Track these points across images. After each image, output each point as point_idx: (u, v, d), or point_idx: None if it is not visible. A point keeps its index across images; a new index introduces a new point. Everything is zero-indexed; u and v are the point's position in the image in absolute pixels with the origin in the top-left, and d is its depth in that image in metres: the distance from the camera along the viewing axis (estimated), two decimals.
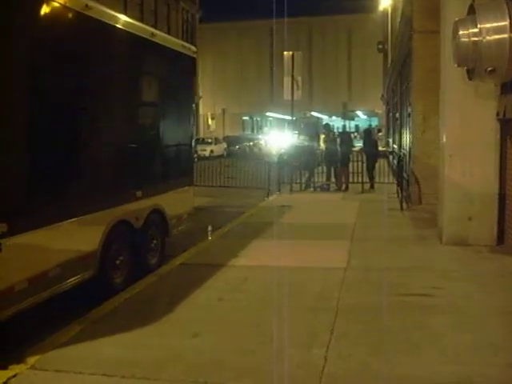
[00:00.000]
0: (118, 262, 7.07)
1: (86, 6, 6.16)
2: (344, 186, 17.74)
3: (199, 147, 35.80)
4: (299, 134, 29.05)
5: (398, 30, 18.70)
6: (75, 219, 6.04)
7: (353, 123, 77.27)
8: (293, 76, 17.27)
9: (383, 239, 9.77)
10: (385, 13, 34.37)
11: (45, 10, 5.57)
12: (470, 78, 7.75)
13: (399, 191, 14.77)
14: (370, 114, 70.55)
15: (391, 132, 32.69)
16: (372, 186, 17.53)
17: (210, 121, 64.13)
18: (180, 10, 49.54)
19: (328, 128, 19.89)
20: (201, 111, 55.99)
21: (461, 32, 7.34)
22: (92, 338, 5.27)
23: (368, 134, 20.84)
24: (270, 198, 16.35)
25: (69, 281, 5.96)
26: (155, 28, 8.69)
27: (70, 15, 6.00)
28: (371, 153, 18.26)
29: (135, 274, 7.42)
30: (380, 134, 46.73)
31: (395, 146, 24.36)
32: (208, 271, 7.65)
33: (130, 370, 4.59)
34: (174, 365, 4.69)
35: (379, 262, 8.17)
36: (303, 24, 63.76)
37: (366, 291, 6.69)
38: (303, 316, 5.84)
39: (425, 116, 12.98)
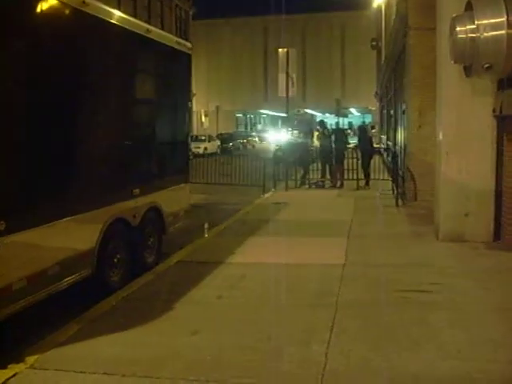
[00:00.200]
0: (115, 260, 7.03)
1: (83, 2, 6.11)
2: (339, 183, 17.75)
3: (193, 145, 35.69)
4: (293, 130, 29.05)
5: (392, 27, 18.71)
6: (73, 217, 6.00)
7: (346, 120, 77.28)
8: (287, 73, 17.22)
9: (380, 236, 9.79)
10: (378, 10, 34.37)
11: (42, 5, 5.52)
12: (468, 75, 7.77)
13: (394, 188, 14.79)
14: (364, 110, 70.61)
15: (385, 129, 32.71)
16: (367, 183, 17.54)
17: (203, 118, 64.01)
18: (173, 6, 49.41)
19: (323, 125, 19.87)
20: (194, 108, 55.78)
21: (458, 28, 7.35)
22: (91, 336, 5.24)
23: (363, 131, 20.84)
24: (266, 195, 16.35)
25: (67, 279, 5.92)
26: (149, 25, 8.61)
27: (67, 11, 5.96)
28: (366, 150, 18.28)
29: (132, 272, 7.39)
30: (374, 130, 46.73)
31: (389, 143, 24.38)
32: (205, 269, 7.64)
33: (130, 368, 4.57)
34: (174, 363, 4.67)
35: (377, 258, 8.17)
36: (297, 21, 63.71)
37: (365, 287, 6.69)
38: (302, 313, 5.83)
39: (420, 113, 12.98)
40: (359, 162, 17.75)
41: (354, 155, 18.12)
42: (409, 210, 12.63)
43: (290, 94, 17.45)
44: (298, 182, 18.16)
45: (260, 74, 66.31)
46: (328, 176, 18.27)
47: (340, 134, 19.62)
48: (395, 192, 14.37)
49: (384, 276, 7.15)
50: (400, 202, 13.39)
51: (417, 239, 9.48)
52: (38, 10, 5.50)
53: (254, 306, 6.14)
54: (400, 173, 14.84)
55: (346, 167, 17.89)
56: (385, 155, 23.71)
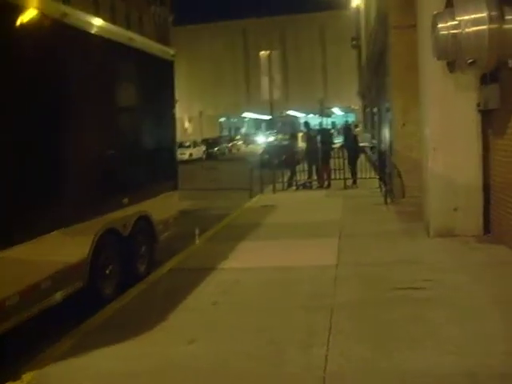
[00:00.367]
0: (107, 271, 6.98)
1: (65, 13, 6.06)
2: (326, 183, 17.79)
3: (178, 151, 35.61)
4: (277, 133, 29.08)
5: (372, 26, 18.79)
6: (63, 229, 5.94)
7: (329, 120, 77.63)
8: (271, 75, 17.23)
9: (371, 234, 9.80)
10: (357, 9, 34.56)
11: (23, 18, 5.45)
12: (451, 71, 7.80)
13: (382, 186, 14.84)
14: (347, 110, 70.95)
15: (369, 127, 32.87)
16: (354, 182, 17.59)
17: (186, 124, 63.91)
18: (152, 14, 49.32)
19: (308, 126, 19.91)
20: (177, 114, 55.76)
21: (440, 25, 7.37)
22: (86, 350, 5.17)
23: (347, 130, 20.97)
24: (254, 198, 16.32)
25: (59, 293, 5.86)
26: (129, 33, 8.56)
27: (48, 23, 5.89)
28: (352, 149, 18.34)
29: (125, 283, 7.33)
30: (357, 129, 46.98)
31: (374, 141, 24.48)
32: (198, 275, 7.59)
33: (127, 381, 4.52)
34: (173, 373, 4.63)
35: (369, 257, 8.18)
36: (276, 23, 63.97)
37: (359, 287, 6.69)
38: (299, 315, 5.81)
39: (404, 110, 13.02)
40: (345, 161, 17.80)
41: (340, 155, 18.17)
42: (397, 207, 12.66)
43: (274, 96, 17.46)
44: (285, 184, 18.17)
45: (242, 78, 66.41)
46: (315, 177, 18.30)
47: (325, 134, 19.70)
48: (383, 190, 14.42)
49: (378, 275, 7.15)
50: (388, 199, 13.43)
51: (408, 236, 9.50)
52: (19, 22, 5.43)
53: (250, 311, 6.10)
54: (387, 170, 14.88)
55: (332, 167, 17.94)
56: (369, 153, 23.80)
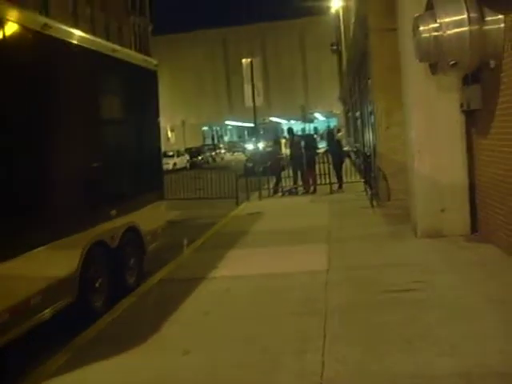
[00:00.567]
0: (96, 284, 6.91)
1: (45, 24, 6.01)
2: (312, 189, 17.82)
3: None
4: (260, 140, 29.07)
5: (352, 30, 18.92)
6: (51, 244, 5.87)
7: (312, 125, 77.92)
8: (253, 83, 17.26)
9: (359, 238, 9.82)
10: (336, 14, 34.78)
11: (2, 30, 5.38)
12: (433, 73, 7.87)
13: (367, 189, 14.90)
14: (329, 115, 71.25)
15: (352, 131, 33.04)
16: (340, 186, 17.65)
17: (169, 133, 63.78)
18: (131, 24, 49.25)
19: (291, 132, 19.96)
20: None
21: (421, 28, 7.44)
22: (81, 364, 5.11)
23: (331, 135, 21.03)
24: (240, 206, 16.30)
25: (49, 309, 5.78)
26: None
27: (29, 35, 5.83)
28: (336, 153, 18.41)
29: (115, 295, 7.26)
30: (340, 133, 47.23)
31: (357, 145, 24.60)
32: (189, 285, 7.55)
33: None
34: None
35: (359, 261, 8.19)
36: (255, 30, 64.22)
37: (351, 291, 6.68)
38: (293, 322, 5.78)
39: (387, 113, 13.11)
40: (330, 166, 17.86)
41: (325, 160, 18.23)
42: (384, 210, 12.71)
43: (257, 103, 17.50)
44: (271, 191, 18.18)
45: (223, 86, 66.53)
46: (300, 182, 18.34)
47: (309, 139, 19.77)
48: (368, 193, 14.47)
49: (369, 278, 7.16)
50: (374, 202, 13.48)
51: (396, 238, 9.53)
52: None
53: (242, 320, 6.07)
54: (372, 174, 14.95)
55: (317, 172, 17.98)
56: (353, 157, 23.91)
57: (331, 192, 17.03)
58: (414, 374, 4.33)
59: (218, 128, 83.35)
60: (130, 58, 8.50)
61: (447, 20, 7.16)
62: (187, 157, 45.41)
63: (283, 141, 24.35)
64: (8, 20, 5.44)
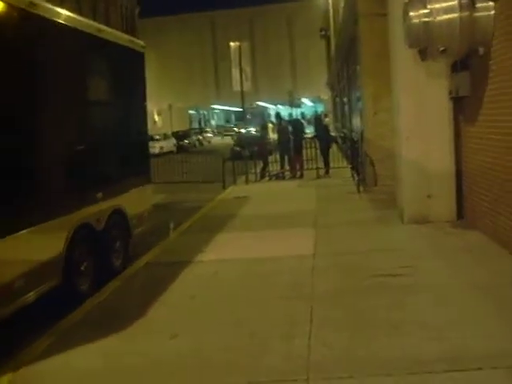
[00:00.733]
0: (82, 267, 6.85)
1: (31, 3, 5.88)
2: (299, 174, 17.83)
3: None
4: (251, 124, 28.97)
5: (342, 15, 18.82)
6: (36, 227, 5.79)
7: (299, 110, 77.77)
8: (241, 67, 17.14)
9: (346, 223, 9.84)
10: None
11: None
12: (423, 59, 7.84)
13: (354, 175, 14.93)
14: (316, 100, 71.12)
15: (339, 117, 33.03)
16: (327, 172, 17.67)
17: (156, 117, 63.38)
18: (119, 5, 48.65)
19: (279, 117, 19.90)
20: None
21: (411, 13, 7.41)
22: (65, 349, 5.07)
23: (318, 121, 21.00)
24: (227, 190, 16.27)
25: (34, 292, 5.72)
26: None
27: (14, 13, 5.71)
28: (324, 138, 18.40)
29: (101, 278, 7.21)
30: (327, 119, 47.21)
31: (345, 131, 24.60)
32: (175, 269, 7.52)
33: (109, 378, 4.44)
34: (156, 370, 4.55)
35: (346, 245, 8.21)
36: (244, 15, 63.76)
37: (338, 276, 6.70)
38: (280, 306, 5.79)
39: (375, 99, 13.10)
40: (317, 151, 17.87)
41: (312, 145, 18.22)
42: (370, 195, 12.75)
43: (245, 87, 17.39)
44: (258, 175, 18.16)
45: (211, 70, 66.12)
46: (287, 167, 18.33)
47: (297, 124, 19.71)
48: (355, 179, 14.50)
49: (355, 263, 7.18)
50: (361, 188, 13.51)
51: (383, 224, 9.56)
52: None
53: (229, 304, 6.06)
54: (359, 159, 14.97)
55: (304, 157, 17.98)
56: (341, 143, 23.92)
57: (318, 177, 17.06)
58: (401, 358, 4.35)
59: (205, 112, 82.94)
60: (116, 38, 8.38)
61: (437, 6, 7.13)
62: (174, 140, 45.11)
63: (270, 125, 24.27)
64: None
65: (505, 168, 6.97)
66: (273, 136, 21.26)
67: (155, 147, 37.19)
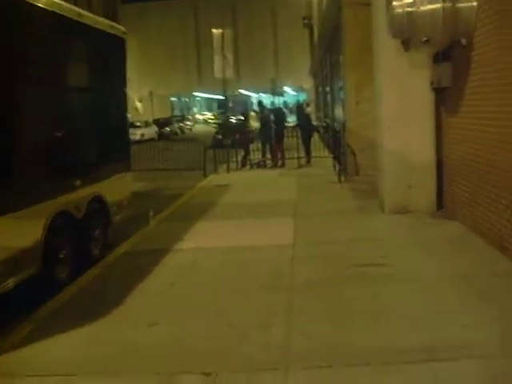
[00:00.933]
0: (61, 255, 6.77)
1: None
2: (280, 162, 17.82)
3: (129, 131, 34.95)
4: (230, 112, 28.82)
5: (325, 3, 18.76)
6: (13, 214, 5.69)
7: (281, 99, 77.56)
8: (224, 54, 17.02)
9: (326, 213, 9.86)
10: None
11: None
12: (406, 49, 7.85)
13: (336, 164, 14.95)
14: (298, 89, 70.99)
15: (321, 106, 33.03)
16: (308, 161, 17.68)
17: (137, 104, 62.78)
18: None
19: (261, 105, 19.84)
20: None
21: (395, 3, 7.40)
22: (43, 337, 5.01)
23: (300, 110, 20.99)
24: (208, 178, 16.21)
25: (12, 279, 5.63)
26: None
27: None
28: (306, 128, 18.39)
29: (80, 266, 7.14)
30: (309, 108, 47.20)
31: (327, 120, 24.62)
32: (155, 257, 7.47)
33: (87, 367, 4.40)
34: (134, 358, 4.53)
35: (326, 235, 8.22)
36: (227, 1, 63.23)
37: (318, 265, 6.70)
38: (259, 296, 5.77)
39: (358, 89, 13.10)
40: (299, 140, 17.86)
41: (294, 134, 18.20)
42: (351, 185, 12.78)
43: (227, 75, 17.28)
44: (239, 164, 18.11)
45: (193, 57, 65.57)
46: (269, 156, 18.31)
47: (279, 113, 19.67)
48: (337, 168, 14.52)
49: (335, 253, 7.19)
50: (342, 177, 13.54)
51: (363, 213, 9.60)
52: None
53: (208, 292, 6.03)
54: (341, 149, 14.99)
55: (286, 146, 17.96)
56: (323, 132, 23.93)
57: (299, 166, 17.06)
58: (380, 348, 4.37)
59: (187, 99, 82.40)
60: (96, 24, 8.23)
61: None
62: (155, 128, 44.80)
63: (253, 114, 24.19)
64: None
65: (485, 160, 7.01)
66: (254, 124, 21.19)
67: (136, 134, 36.82)
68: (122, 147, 9.30)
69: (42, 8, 6.53)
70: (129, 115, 9.94)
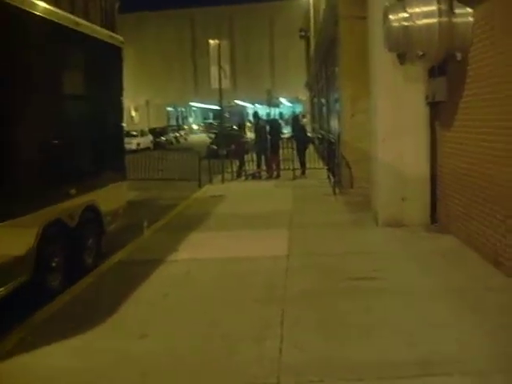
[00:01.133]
0: (53, 263, 6.73)
1: None
2: (275, 174, 17.83)
3: (125, 140, 34.93)
4: (225, 123, 28.80)
5: (322, 16, 18.87)
6: (5, 222, 5.66)
7: (277, 110, 77.75)
8: (220, 65, 17.06)
9: (321, 225, 9.85)
10: (306, 0, 34.63)
11: None
12: (402, 63, 7.88)
13: (330, 176, 14.97)
14: (294, 100, 71.19)
15: (317, 118, 33.11)
16: (303, 172, 17.69)
17: (133, 113, 62.81)
18: None
19: (257, 116, 19.87)
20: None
21: (391, 17, 7.43)
22: (34, 346, 4.96)
23: (296, 121, 21.05)
24: (203, 189, 16.18)
25: (3, 287, 5.59)
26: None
27: None
28: (301, 139, 18.43)
29: (72, 275, 7.10)
30: (305, 120, 47.31)
31: (322, 132, 24.67)
32: (148, 267, 7.43)
33: (79, 378, 4.36)
34: (126, 368, 4.49)
35: (320, 247, 8.21)
36: (224, 12, 63.57)
37: (311, 278, 6.68)
38: (252, 308, 5.75)
39: (353, 101, 13.15)
40: (294, 151, 17.88)
41: (289, 145, 18.23)
42: (346, 197, 12.79)
43: (223, 85, 17.31)
44: (234, 175, 18.10)
45: (189, 67, 65.74)
46: (264, 167, 18.32)
47: (274, 124, 19.69)
48: (331, 180, 14.54)
49: (329, 265, 7.18)
50: (337, 189, 13.55)
51: (357, 226, 9.59)
52: None
53: (202, 304, 6.00)
54: (335, 161, 15.01)
55: (281, 157, 17.97)
56: (318, 144, 23.99)
57: (294, 178, 17.07)
58: (373, 362, 4.35)
59: (183, 109, 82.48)
60: (94, 32, 8.25)
61: (417, 10, 7.17)
62: (151, 137, 44.80)
63: (248, 125, 24.23)
64: None
65: (479, 174, 7.04)
66: (250, 135, 21.22)
67: (132, 143, 36.81)
68: (118, 156, 9.29)
69: (39, 16, 6.53)
70: (124, 124, 9.93)
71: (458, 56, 7.43)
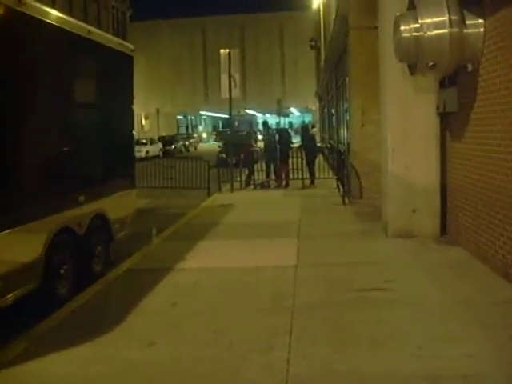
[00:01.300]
0: (61, 271, 6.74)
1: (19, 1, 5.80)
2: (284, 183, 17.81)
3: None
4: (235, 131, 28.81)
5: (332, 27, 18.89)
6: (15, 229, 5.68)
7: (287, 120, 77.93)
8: (230, 74, 17.11)
9: (330, 235, 9.81)
10: (317, 10, 34.73)
11: None
12: (412, 73, 7.86)
13: (340, 186, 14.93)
14: (304, 110, 71.30)
15: (326, 128, 33.10)
16: (312, 182, 17.66)
17: (143, 121, 63.12)
18: (110, 8, 48.52)
19: (266, 126, 19.88)
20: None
21: (402, 27, 7.41)
22: (40, 354, 4.96)
23: (305, 130, 21.02)
24: (211, 197, 16.18)
25: (12, 294, 5.61)
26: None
27: (1, 11, 5.62)
28: (310, 149, 18.41)
29: (80, 283, 7.11)
30: (314, 129, 47.31)
31: (332, 142, 24.65)
32: (156, 276, 7.42)
33: None
34: (132, 378, 4.47)
35: (329, 258, 8.17)
36: (235, 22, 63.88)
37: (320, 288, 6.64)
38: (260, 318, 5.72)
39: (363, 111, 13.14)
40: (303, 161, 17.87)
41: (299, 154, 18.22)
42: (355, 207, 12.74)
43: (233, 94, 17.35)
44: (243, 184, 18.09)
45: (200, 75, 66.02)
46: (273, 176, 18.31)
47: (284, 133, 19.69)
48: (341, 190, 14.50)
49: (338, 276, 7.14)
50: (346, 200, 13.51)
51: (367, 237, 9.54)
52: None
53: (209, 313, 5.98)
54: (345, 171, 14.98)
55: (290, 167, 17.97)
56: (327, 153, 23.96)
57: (303, 187, 17.04)
58: (382, 374, 4.31)
59: (193, 117, 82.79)
60: (105, 41, 8.31)
61: (428, 21, 7.14)
62: (160, 145, 45.01)
63: (258, 133, 24.25)
64: None
65: (489, 185, 6.99)
66: (259, 144, 21.23)
67: (141, 151, 37.01)
68: (127, 164, 9.32)
69: (52, 25, 6.59)
70: (135, 132, 9.97)
71: (469, 67, 7.40)
